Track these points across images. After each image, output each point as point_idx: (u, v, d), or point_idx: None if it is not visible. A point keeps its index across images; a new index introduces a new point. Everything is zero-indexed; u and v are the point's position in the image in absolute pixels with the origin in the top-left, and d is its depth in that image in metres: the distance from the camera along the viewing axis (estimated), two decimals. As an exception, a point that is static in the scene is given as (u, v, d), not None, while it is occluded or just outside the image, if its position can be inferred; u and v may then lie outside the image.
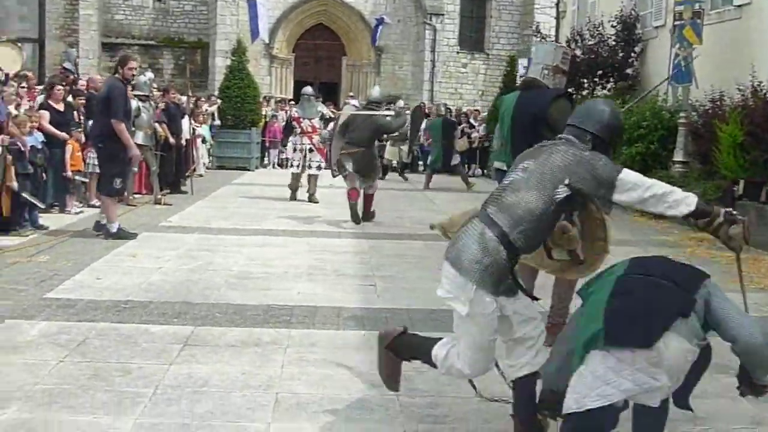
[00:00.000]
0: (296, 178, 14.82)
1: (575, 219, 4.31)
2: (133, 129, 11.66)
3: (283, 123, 23.52)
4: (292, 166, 14.93)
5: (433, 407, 4.51)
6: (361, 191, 12.00)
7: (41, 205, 10.41)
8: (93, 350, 5.43)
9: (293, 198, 14.67)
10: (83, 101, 12.65)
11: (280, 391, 4.78)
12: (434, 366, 4.23)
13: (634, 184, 3.87)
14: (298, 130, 14.59)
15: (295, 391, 4.80)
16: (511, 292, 3.97)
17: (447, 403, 4.63)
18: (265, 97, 26.28)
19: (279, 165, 23.25)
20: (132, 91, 12.06)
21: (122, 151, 9.95)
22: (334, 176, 12.87)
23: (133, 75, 10.67)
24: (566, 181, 3.87)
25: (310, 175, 14.61)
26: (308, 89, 15.49)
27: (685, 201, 3.86)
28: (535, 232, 3.92)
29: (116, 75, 10.16)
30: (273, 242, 10.19)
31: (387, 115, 12.39)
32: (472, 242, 3.89)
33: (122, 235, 9.77)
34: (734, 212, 3.89)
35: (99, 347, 5.50)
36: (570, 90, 6.05)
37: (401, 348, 4.41)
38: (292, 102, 25.80)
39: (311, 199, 14.52)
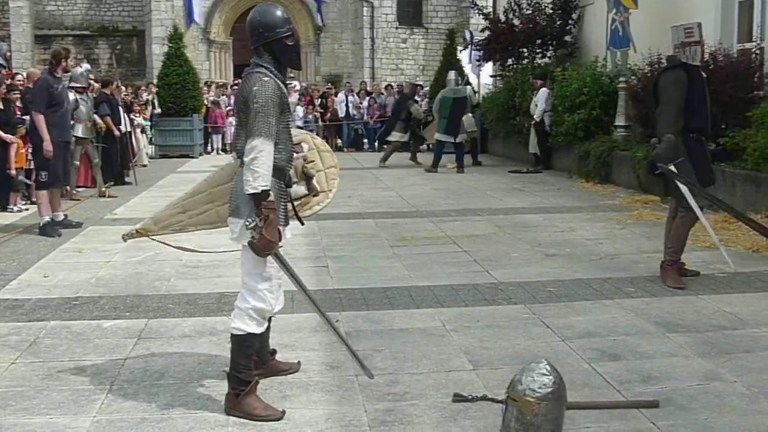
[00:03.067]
0: None
1: (310, 153, 4.74)
2: (72, 122, 11.44)
3: (227, 108, 23.32)
4: None
5: (392, 385, 4.52)
6: None
7: None
8: (45, 350, 5.34)
9: None
10: (17, 95, 12.35)
11: (239, 379, 4.74)
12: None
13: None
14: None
15: (254, 378, 4.77)
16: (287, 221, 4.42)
17: (406, 381, 4.64)
18: (206, 83, 25.98)
19: (223, 150, 23.04)
20: (69, 83, 11.83)
21: (55, 144, 9.79)
22: None
23: (66, 69, 10.53)
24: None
25: None
26: None
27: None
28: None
29: (49, 70, 10.09)
30: (221, 228, 10.07)
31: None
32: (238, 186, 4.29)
33: (47, 231, 9.57)
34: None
35: (51, 346, 5.41)
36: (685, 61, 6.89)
37: (269, 371, 4.69)
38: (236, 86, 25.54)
39: None
